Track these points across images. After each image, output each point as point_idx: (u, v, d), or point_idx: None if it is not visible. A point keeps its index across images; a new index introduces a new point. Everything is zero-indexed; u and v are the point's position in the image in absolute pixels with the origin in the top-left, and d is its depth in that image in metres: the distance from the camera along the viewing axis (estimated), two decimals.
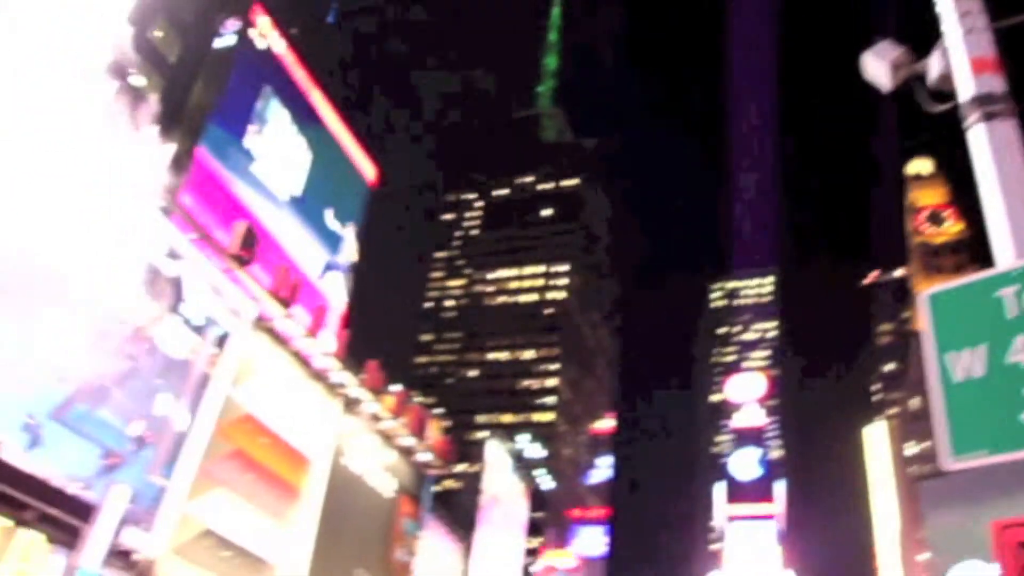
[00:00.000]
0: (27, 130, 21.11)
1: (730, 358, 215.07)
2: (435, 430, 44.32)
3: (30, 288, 21.67)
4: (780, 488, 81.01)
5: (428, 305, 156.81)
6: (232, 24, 33.99)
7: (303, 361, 34.03)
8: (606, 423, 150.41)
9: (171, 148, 28.20)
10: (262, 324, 31.49)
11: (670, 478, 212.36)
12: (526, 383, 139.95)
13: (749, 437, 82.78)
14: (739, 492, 78.67)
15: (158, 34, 34.42)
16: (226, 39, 34.27)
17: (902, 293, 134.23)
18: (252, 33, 35.47)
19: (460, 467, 58.94)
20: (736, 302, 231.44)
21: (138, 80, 32.72)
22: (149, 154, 25.75)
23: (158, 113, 27.38)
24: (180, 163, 28.35)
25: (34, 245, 21.92)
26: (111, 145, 23.69)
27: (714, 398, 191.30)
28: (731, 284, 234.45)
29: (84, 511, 22.33)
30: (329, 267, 41.03)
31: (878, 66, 5.64)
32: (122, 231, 24.46)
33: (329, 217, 41.20)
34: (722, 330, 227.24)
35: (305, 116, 39.40)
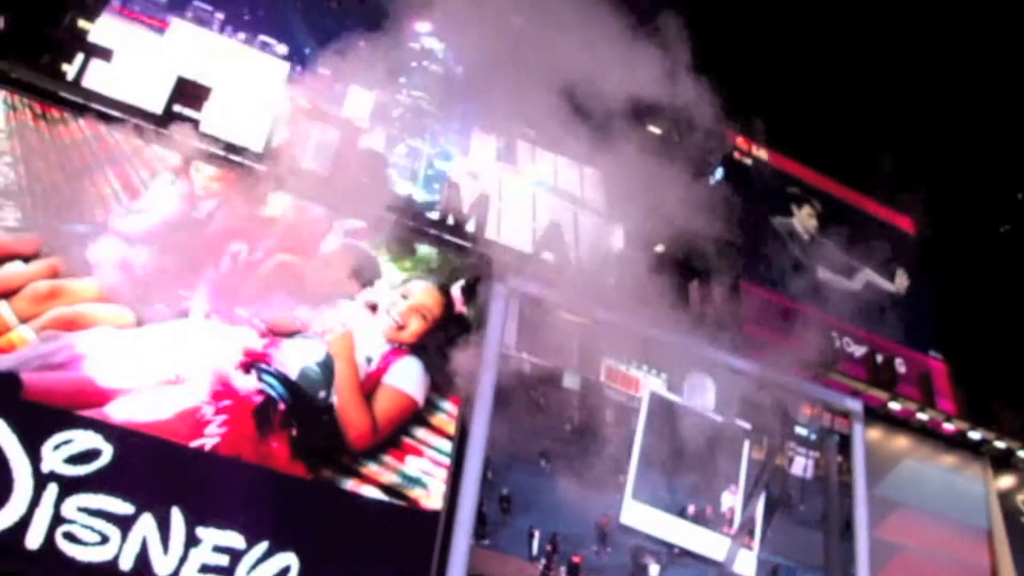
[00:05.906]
0: None
1: None
2: None
3: None
4: None
5: None
6: (717, 160, 36.24)
7: (931, 433, 32.46)
8: None
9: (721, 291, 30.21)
10: (874, 414, 31.02)
11: None
12: None
13: None
14: None
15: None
16: (717, 174, 36.58)
17: None
18: (736, 156, 37.25)
19: None
20: None
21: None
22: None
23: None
24: (736, 301, 30.21)
25: None
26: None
27: None
28: None
29: None
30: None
31: None
32: None
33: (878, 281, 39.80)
34: None
35: (817, 201, 39.37)
